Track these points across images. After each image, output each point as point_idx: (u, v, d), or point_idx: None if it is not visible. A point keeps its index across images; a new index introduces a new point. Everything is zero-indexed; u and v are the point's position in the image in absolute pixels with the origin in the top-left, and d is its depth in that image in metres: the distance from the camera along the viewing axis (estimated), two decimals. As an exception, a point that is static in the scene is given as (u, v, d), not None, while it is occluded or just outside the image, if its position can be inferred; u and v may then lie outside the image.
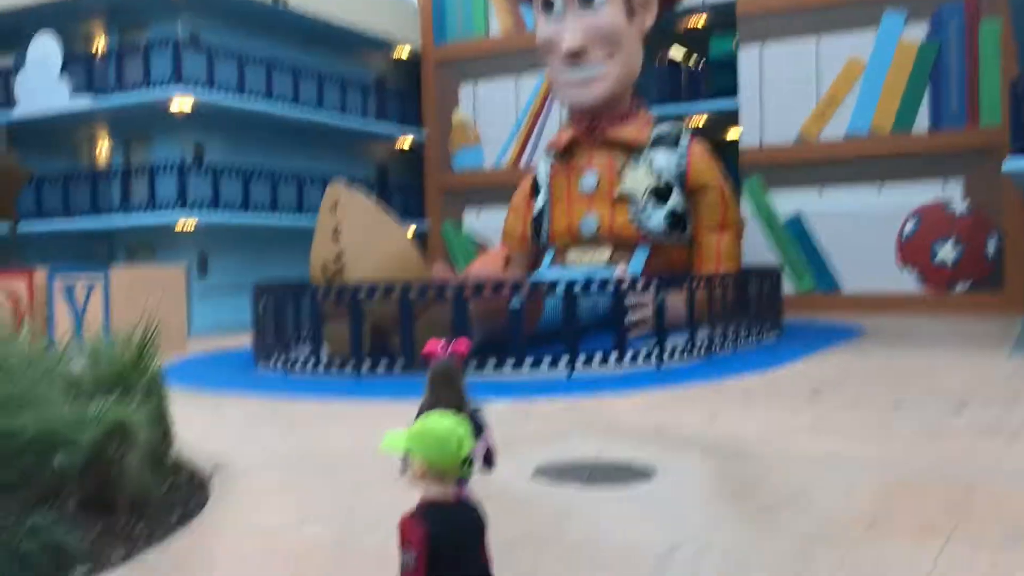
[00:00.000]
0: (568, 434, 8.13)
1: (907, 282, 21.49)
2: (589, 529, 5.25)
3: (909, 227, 21.50)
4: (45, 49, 21.45)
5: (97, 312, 15.76)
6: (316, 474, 6.88)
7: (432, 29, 27.71)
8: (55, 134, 23.23)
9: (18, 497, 4.51)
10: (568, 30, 17.55)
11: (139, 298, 15.86)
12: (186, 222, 20.77)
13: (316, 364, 12.88)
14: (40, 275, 16.30)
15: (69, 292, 15.92)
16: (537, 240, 18.68)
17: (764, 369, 12.23)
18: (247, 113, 22.14)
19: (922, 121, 21.44)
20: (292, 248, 23.94)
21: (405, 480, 2.62)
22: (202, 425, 9.09)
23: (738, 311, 15.02)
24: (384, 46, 27.23)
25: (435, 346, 4.64)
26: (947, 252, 21.09)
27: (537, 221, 18.62)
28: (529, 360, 12.17)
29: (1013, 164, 13.10)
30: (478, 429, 4.44)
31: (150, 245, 22.28)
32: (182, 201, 20.38)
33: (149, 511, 5.43)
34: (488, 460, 4.61)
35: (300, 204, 23.17)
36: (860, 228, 21.88)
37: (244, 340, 17.87)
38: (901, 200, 21.54)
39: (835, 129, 22.29)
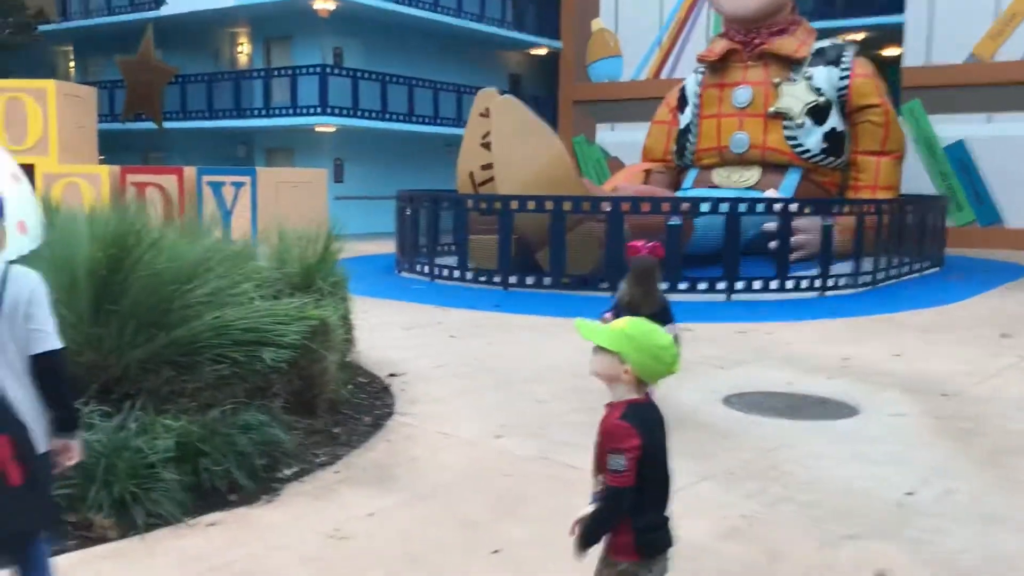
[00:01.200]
0: (746, 361, 7.70)
1: (1079, 219, 19.88)
2: (809, 466, 4.86)
3: (1087, 159, 19.76)
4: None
5: (244, 211, 15.98)
6: (492, 386, 6.66)
7: (574, -67, 26.61)
8: (199, 34, 23.47)
9: (232, 392, 4.40)
10: (730, -68, 16.46)
11: (283, 199, 16.03)
12: (324, 126, 20.81)
13: (461, 275, 12.72)
14: (190, 173, 16.59)
15: (217, 191, 16.18)
16: (680, 158, 17.95)
17: (935, 305, 11.43)
18: (386, 15, 21.84)
19: (1113, 43, 19.47)
20: (425, 157, 23.84)
21: (594, 374, 2.58)
22: (364, 329, 9.04)
23: (903, 242, 14.09)
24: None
25: (637, 244, 5.46)
26: None
27: (682, 137, 17.86)
28: (686, 281, 11.68)
29: None
30: (667, 321, 5.09)
31: (289, 148, 22.49)
32: (322, 105, 20.37)
33: (344, 414, 5.31)
34: None
35: (435, 112, 22.92)
36: (1030, 158, 20.25)
37: (378, 247, 17.93)
38: (1080, 130, 19.77)
39: (1013, 50, 20.49)
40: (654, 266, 5.42)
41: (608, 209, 11.55)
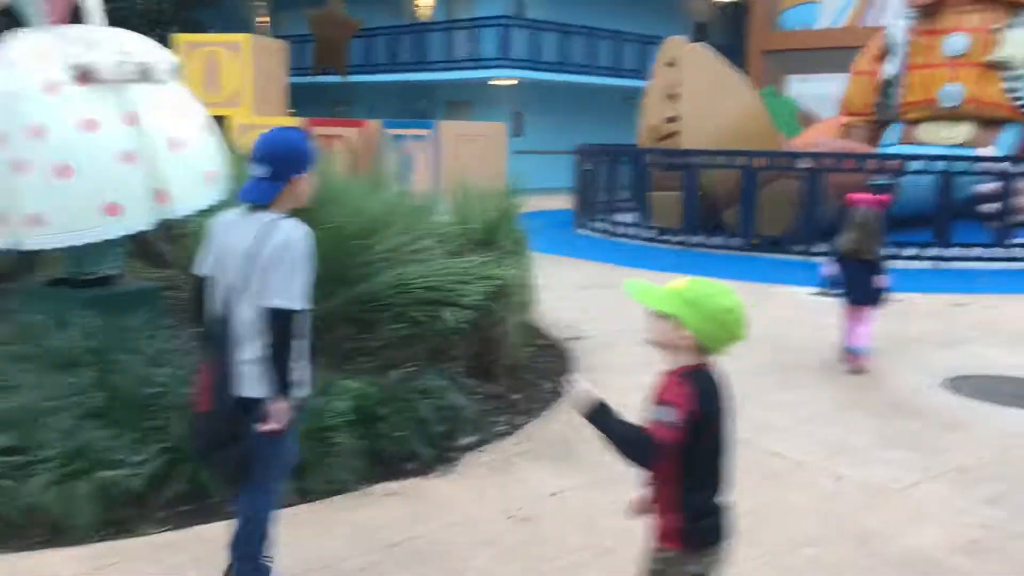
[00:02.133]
0: (969, 339, 6.87)
1: None
2: (1059, 469, 4.16)
3: None
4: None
5: (425, 164, 16.05)
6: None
7: None
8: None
9: (413, 354, 4.18)
10: None
11: (464, 153, 15.97)
12: (502, 79, 20.62)
13: (641, 233, 12.21)
14: (374, 125, 16.80)
15: (399, 143, 16.31)
16: (884, 112, 16.55)
17: None
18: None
19: None
20: (606, 110, 23.26)
21: (650, 342, 2.30)
22: (541, 288, 8.76)
23: None
24: None
25: (859, 195, 6.17)
26: None
27: (886, 89, 16.43)
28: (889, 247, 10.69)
29: None
30: (880, 268, 5.83)
31: (468, 101, 22.47)
32: (503, 57, 20.15)
33: (524, 379, 5.02)
34: (875, 297, 5.84)
35: (616, 64, 22.25)
36: None
37: (557, 202, 17.63)
38: None
39: None
40: (876, 216, 5.89)
41: (808, 166, 10.70)
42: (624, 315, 7.44)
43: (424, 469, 3.87)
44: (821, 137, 16.62)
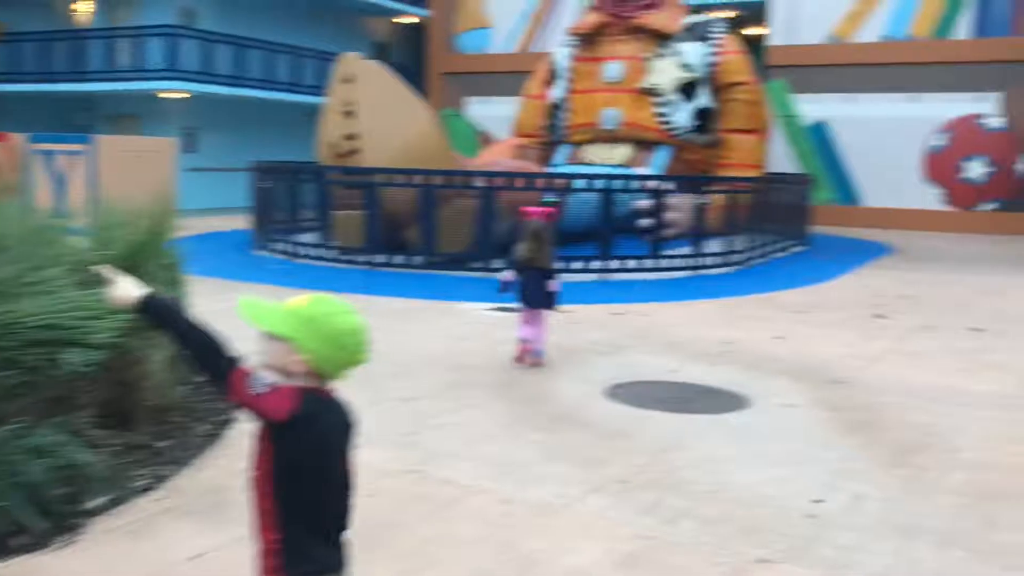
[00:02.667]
0: (627, 346, 7.26)
1: (929, 198, 20.63)
2: (708, 470, 4.39)
3: (939, 141, 20.51)
4: None
5: (81, 183, 14.55)
6: (350, 383, 5.93)
7: (442, -103, 25.70)
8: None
9: (22, 406, 3.55)
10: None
11: (128, 170, 14.68)
12: (172, 92, 19.32)
13: (323, 254, 11.85)
14: (17, 139, 15.01)
15: (49, 160, 14.68)
16: (552, 133, 17.52)
17: (807, 283, 11.38)
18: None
19: (965, 28, 20.19)
20: (286, 126, 22.59)
21: (259, 366, 2.04)
22: (210, 317, 8.13)
23: (772, 221, 14.08)
24: (390, -87, 25.25)
25: (531, 208, 6.77)
26: (976, 169, 20.18)
27: (554, 112, 17.42)
28: (560, 260, 11.20)
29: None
30: (551, 275, 6.48)
31: (135, 115, 20.83)
32: (171, 69, 18.86)
33: (174, 424, 4.50)
34: (549, 301, 6.49)
35: (295, 80, 21.68)
36: (887, 139, 20.87)
37: (234, 222, 16.75)
38: (933, 112, 20.49)
39: (870, 31, 21.01)
40: (546, 227, 6.55)
41: (482, 185, 10.93)
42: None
43: (40, 543, 3.28)
44: (496, 157, 17.26)
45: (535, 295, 6.43)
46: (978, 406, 5.70)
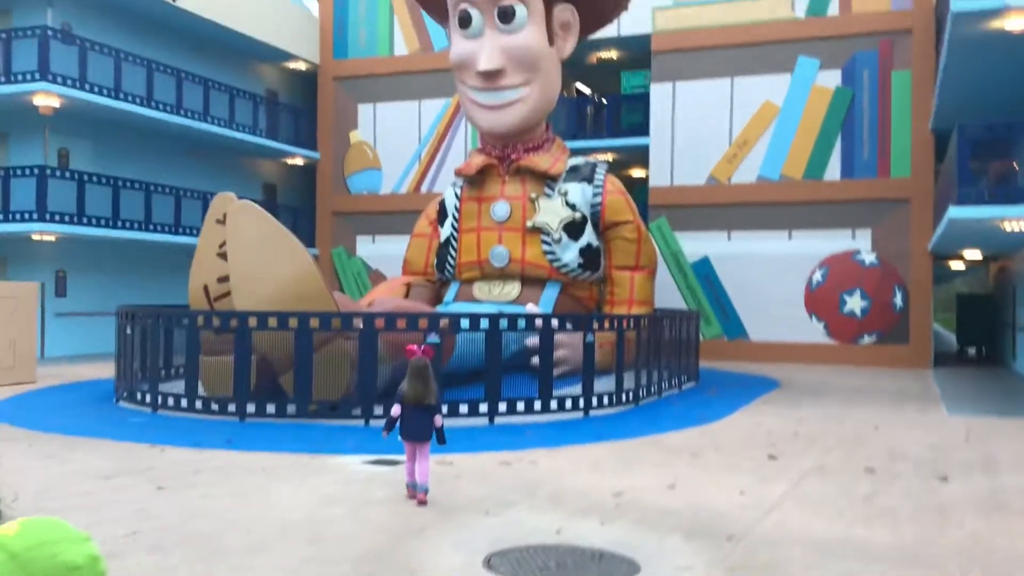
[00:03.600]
0: (512, 502, 6.72)
1: (814, 332, 21.09)
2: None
3: (818, 276, 21.16)
4: None
5: (-74, 332, 13.40)
6: (195, 560, 5.21)
7: (332, 44, 26.13)
8: None
9: None
10: (486, 49, 16.29)
11: (-20, 317, 13.66)
12: (43, 234, 18.39)
13: (190, 404, 11.03)
14: None
15: None
16: (442, 271, 17.28)
17: (699, 423, 11.15)
18: (121, 116, 19.98)
19: (834, 169, 21.23)
20: (166, 269, 21.77)
21: None
22: (43, 480, 7.27)
23: (661, 357, 13.97)
24: (280, 57, 25.46)
25: (413, 347, 6.92)
26: (855, 303, 20.81)
27: (443, 251, 17.23)
28: (445, 405, 10.68)
29: (958, 212, 12.59)
30: (437, 410, 6.74)
31: (3, 257, 19.71)
32: (40, 210, 18.00)
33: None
34: (439, 436, 6.76)
35: (177, 221, 21.03)
36: (769, 275, 21.45)
37: (104, 370, 15.73)
38: (810, 248, 21.22)
39: (746, 173, 21.86)
40: (427, 364, 6.81)
41: (360, 327, 10.43)
42: (143, 512, 6.23)
43: None
44: (383, 296, 16.85)
45: (420, 429, 6.67)
46: (878, 560, 5.36)
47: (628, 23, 22.71)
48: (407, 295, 17.35)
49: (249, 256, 10.97)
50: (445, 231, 17.32)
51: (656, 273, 17.23)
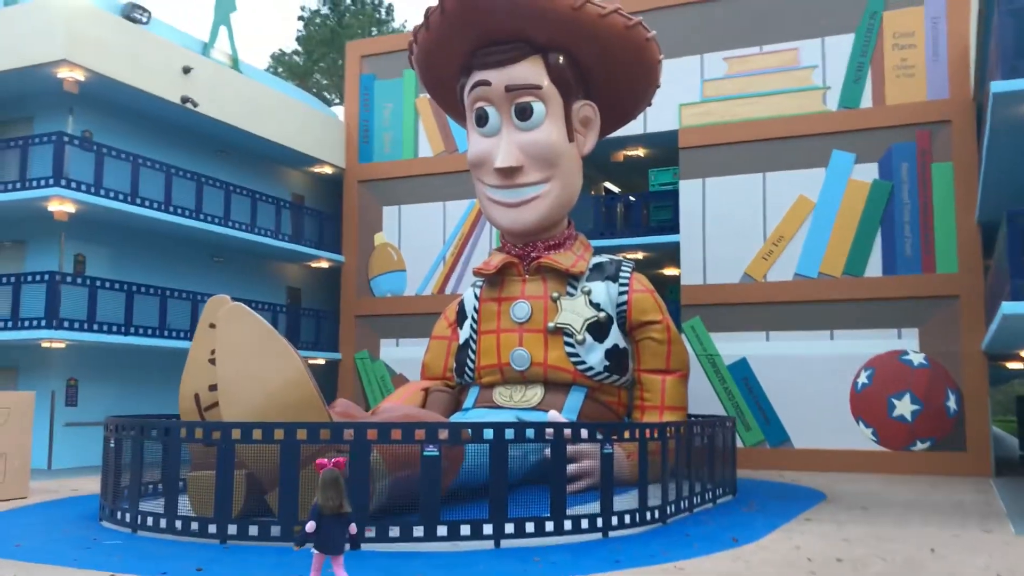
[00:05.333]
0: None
1: (862, 438, 19.68)
2: None
3: (863, 378, 19.87)
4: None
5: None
6: None
7: (358, 148, 26.06)
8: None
9: None
10: (503, 146, 15.76)
11: (-30, 429, 13.01)
12: (54, 341, 17.93)
13: (169, 525, 10.11)
14: None
15: None
16: (461, 375, 16.39)
17: (732, 546, 9.94)
18: (137, 221, 19.76)
19: (875, 265, 20.18)
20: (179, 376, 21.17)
21: None
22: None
23: (692, 468, 12.79)
24: (305, 162, 25.39)
25: (323, 460, 7.19)
26: (905, 407, 19.42)
27: (461, 354, 16.39)
28: (444, 526, 9.65)
29: (1013, 308, 11.49)
30: (351, 519, 7.09)
31: (13, 365, 19.26)
32: (51, 317, 17.58)
33: None
34: (355, 542, 7.21)
35: (192, 327, 20.51)
36: (811, 377, 20.21)
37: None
38: (854, 349, 20.00)
39: (783, 271, 20.89)
40: (339, 475, 7.07)
41: (351, 438, 9.53)
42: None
43: None
44: (398, 402, 15.97)
45: (338, 540, 6.97)
46: None
47: (654, 119, 22.27)
48: (425, 401, 16.46)
49: (238, 362, 10.22)
50: (464, 333, 16.53)
51: (688, 376, 16.16)
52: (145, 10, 20.44)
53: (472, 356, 16.09)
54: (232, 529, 9.71)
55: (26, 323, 17.73)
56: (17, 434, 13.70)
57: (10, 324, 17.86)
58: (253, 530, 9.63)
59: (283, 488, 9.53)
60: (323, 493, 6.92)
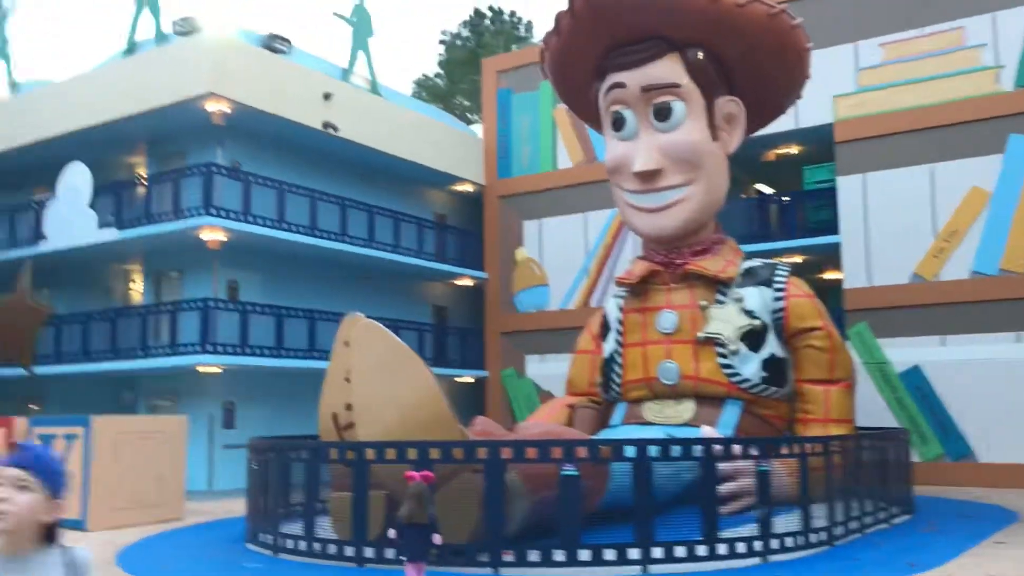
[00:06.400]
0: None
1: (1059, 450, 17.66)
2: None
3: (1058, 383, 17.85)
4: (75, 179, 20.07)
5: (78, 469, 13.24)
6: None
7: (496, 164, 25.91)
8: (84, 269, 21.62)
9: None
10: (642, 150, 15.04)
11: (130, 453, 13.41)
12: (209, 366, 18.49)
13: (308, 548, 9.93)
14: (20, 424, 14.04)
15: (49, 444, 13.52)
16: (607, 391, 15.70)
17: (914, 571, 8.83)
18: (285, 246, 20.20)
19: (1065, 259, 18.16)
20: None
21: None
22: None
23: (862, 486, 11.62)
24: (445, 181, 25.45)
25: (413, 473, 7.59)
26: (1110, 415, 17.30)
27: (606, 368, 15.70)
28: (587, 550, 9.02)
29: None
30: (435, 529, 7.41)
31: (173, 391, 20.02)
32: (206, 342, 18.13)
33: None
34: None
35: (342, 348, 20.74)
36: (995, 384, 18.33)
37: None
38: (1045, 351, 18.02)
39: (957, 268, 19.12)
40: (424, 488, 7.34)
41: (484, 457, 9.06)
42: None
43: None
44: (541, 420, 15.46)
45: (418, 549, 7.27)
46: None
47: (806, 114, 20.94)
48: (571, 418, 15.87)
49: (371, 380, 9.98)
50: (608, 347, 15.84)
51: (855, 386, 14.87)
52: (285, 40, 20.99)
53: (617, 371, 15.39)
54: (368, 552, 9.40)
55: (184, 349, 18.36)
56: (172, 458, 14.04)
57: (169, 351, 18.52)
58: (389, 553, 9.29)
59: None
60: (405, 503, 7.34)
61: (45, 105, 21.61)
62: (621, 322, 15.57)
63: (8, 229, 22.05)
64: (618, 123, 15.40)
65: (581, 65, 15.88)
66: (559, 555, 8.96)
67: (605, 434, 14.54)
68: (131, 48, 21.78)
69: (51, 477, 2.64)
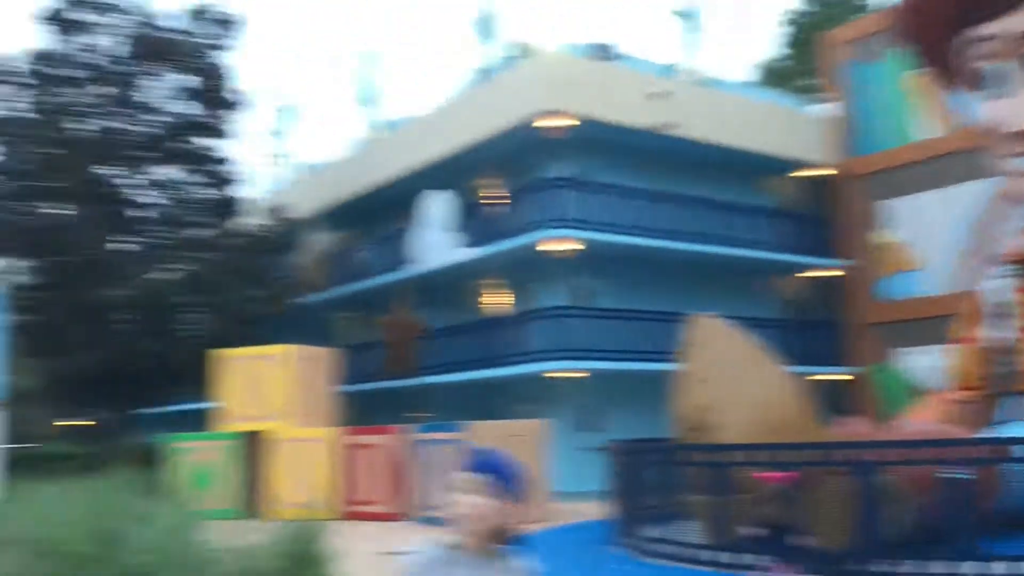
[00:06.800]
0: None
1: None
2: None
3: None
4: (438, 206, 21.83)
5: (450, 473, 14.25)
6: None
7: (846, 143, 24.16)
8: (451, 287, 23.33)
9: None
10: (1021, 104, 13.22)
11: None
12: (569, 372, 19.13)
13: (670, 551, 9.77)
14: (397, 431, 15.48)
15: (426, 449, 14.79)
16: (996, 383, 13.89)
17: None
18: (642, 251, 20.43)
19: None
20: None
21: None
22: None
23: None
24: (787, 167, 24.19)
25: (772, 474, 7.87)
26: None
27: (996, 358, 13.89)
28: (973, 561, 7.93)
29: None
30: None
31: (535, 396, 20.93)
32: (561, 349, 18.78)
33: None
34: None
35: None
36: None
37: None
38: None
39: None
40: (787, 492, 7.44)
41: (847, 459, 8.31)
42: None
43: None
44: (917, 419, 14.06)
45: (786, 552, 7.29)
46: None
47: None
48: (955, 415, 14.25)
49: (723, 381, 9.64)
50: (998, 333, 14.00)
51: None
52: (611, 47, 21.24)
53: (1007, 360, 13.55)
54: (734, 557, 9.02)
55: (539, 356, 19.15)
56: (532, 460, 14.60)
57: (527, 358, 19.41)
58: (765, 559, 8.84)
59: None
60: (766, 506, 7.62)
61: (399, 143, 23.93)
62: (1015, 305, 13.71)
63: (381, 255, 24.43)
64: (991, 79, 13.65)
65: (938, 20, 14.29)
66: (954, 559, 7.95)
67: (997, 431, 12.87)
68: (476, 78, 23.33)
69: (509, 481, 2.64)
